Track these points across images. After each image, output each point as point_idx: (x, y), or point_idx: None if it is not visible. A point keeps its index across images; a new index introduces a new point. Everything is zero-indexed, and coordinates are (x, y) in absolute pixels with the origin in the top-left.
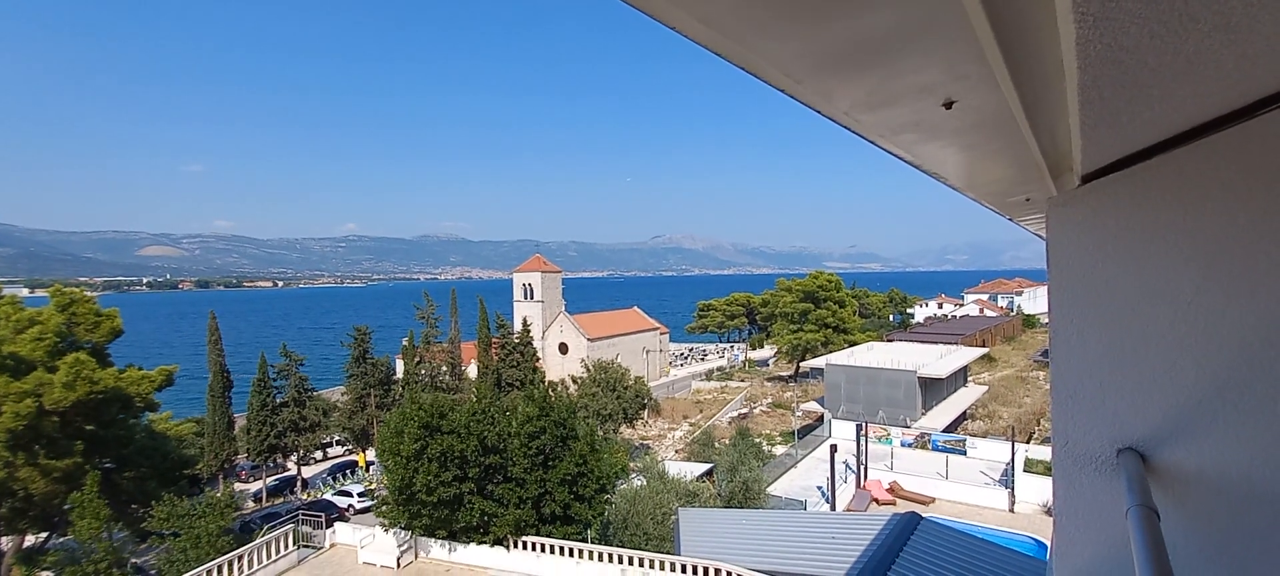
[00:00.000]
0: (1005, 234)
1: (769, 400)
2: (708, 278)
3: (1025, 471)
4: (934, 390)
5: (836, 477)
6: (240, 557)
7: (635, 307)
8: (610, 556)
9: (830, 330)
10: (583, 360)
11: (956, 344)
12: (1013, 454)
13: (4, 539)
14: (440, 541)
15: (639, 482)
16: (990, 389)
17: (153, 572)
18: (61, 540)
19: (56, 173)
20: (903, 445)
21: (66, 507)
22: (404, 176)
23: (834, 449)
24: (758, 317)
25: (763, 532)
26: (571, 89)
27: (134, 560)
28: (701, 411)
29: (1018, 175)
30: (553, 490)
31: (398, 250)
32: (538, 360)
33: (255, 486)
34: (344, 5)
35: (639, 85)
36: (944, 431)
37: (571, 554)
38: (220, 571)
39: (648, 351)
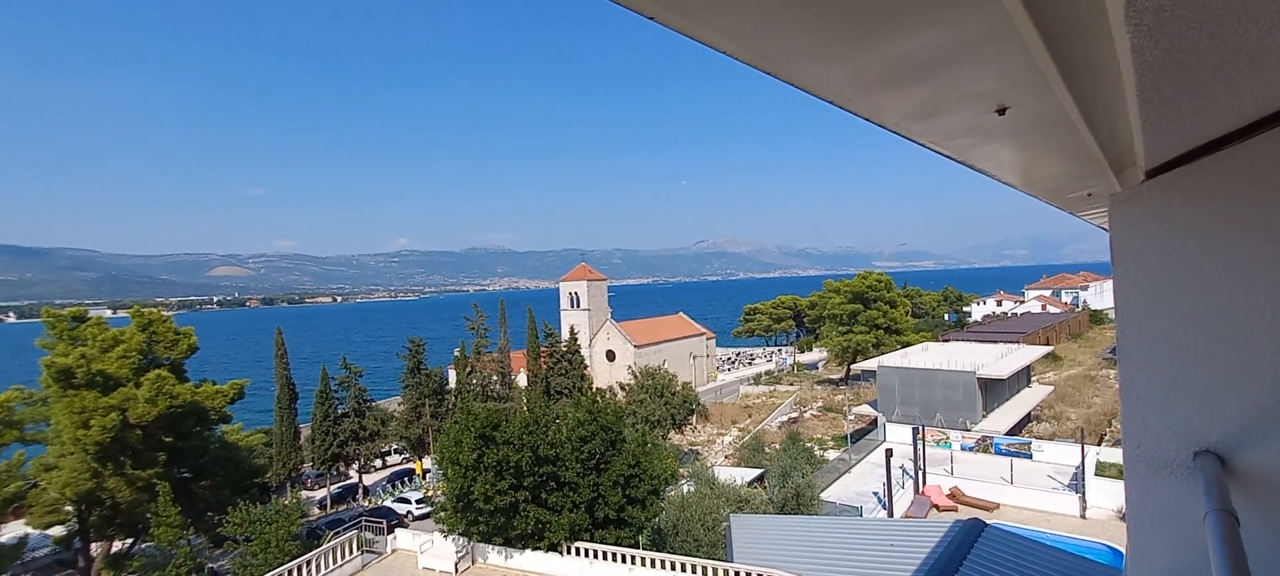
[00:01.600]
0: (1066, 227)
1: (819, 404)
2: (753, 281)
3: (1097, 475)
4: (995, 391)
5: (893, 483)
6: (308, 562)
7: (681, 313)
8: (663, 563)
9: (881, 331)
10: (630, 367)
11: (1018, 342)
12: (1083, 457)
13: (93, 545)
14: (497, 548)
15: (689, 488)
16: (1056, 389)
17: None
18: (144, 546)
19: (135, 201)
20: (963, 449)
21: (148, 516)
22: (451, 190)
23: (889, 453)
24: (805, 320)
25: (818, 539)
26: (610, 94)
27: (210, 565)
28: (750, 416)
29: (1077, 172)
30: (606, 493)
31: (447, 263)
32: (586, 368)
33: (320, 494)
34: (381, 9)
35: (674, 89)
36: (1007, 434)
37: (624, 560)
38: (290, 575)
39: (694, 357)
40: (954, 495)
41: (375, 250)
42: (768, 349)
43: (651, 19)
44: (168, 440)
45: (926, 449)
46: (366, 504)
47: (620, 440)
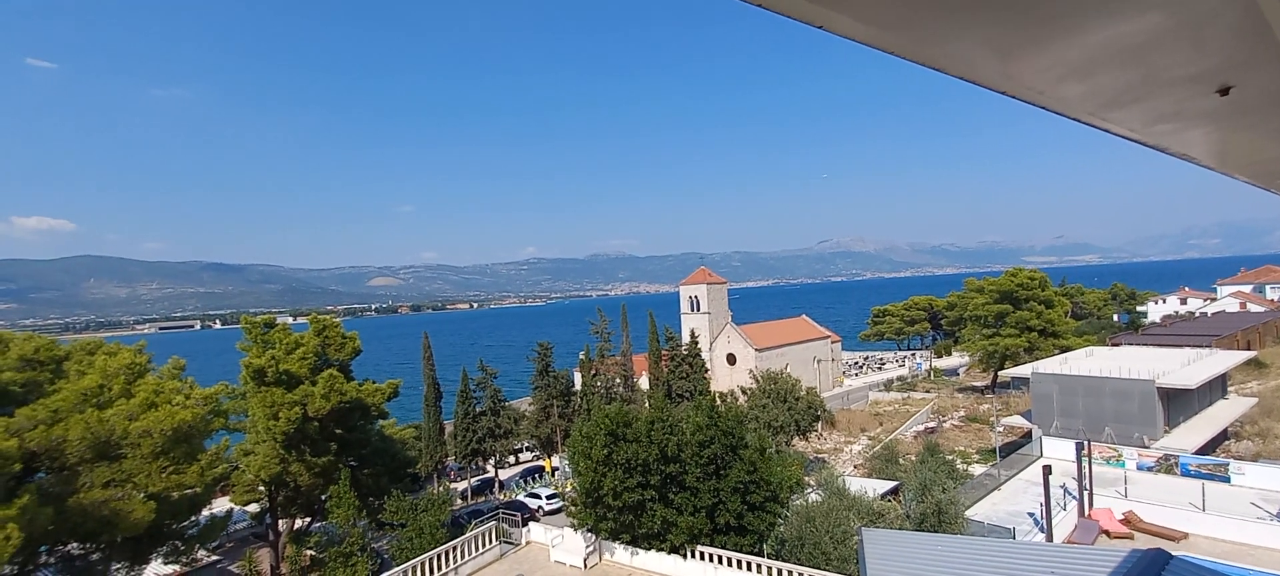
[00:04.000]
0: (1270, 211)
1: (961, 413)
2: (881, 281)
3: None
4: (1180, 403)
5: (1052, 503)
6: (454, 548)
7: (804, 316)
8: (788, 573)
9: (1035, 334)
10: (751, 371)
11: (1209, 347)
12: None
13: (280, 522)
14: (623, 545)
15: (815, 498)
16: (1261, 402)
17: (386, 556)
18: (320, 524)
19: (310, 220)
20: (1139, 468)
21: (324, 498)
22: (575, 200)
23: (1047, 470)
24: (943, 322)
25: (965, 561)
26: (730, 94)
27: (372, 546)
28: (881, 424)
29: None
30: (726, 499)
31: (572, 269)
32: (706, 371)
33: (461, 486)
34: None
35: (799, 87)
36: (1197, 453)
37: (747, 567)
38: (439, 559)
39: (819, 361)
40: (1128, 520)
41: (506, 259)
42: (899, 353)
43: (819, 26)
44: (338, 432)
45: (1093, 467)
46: (502, 497)
47: (741, 445)
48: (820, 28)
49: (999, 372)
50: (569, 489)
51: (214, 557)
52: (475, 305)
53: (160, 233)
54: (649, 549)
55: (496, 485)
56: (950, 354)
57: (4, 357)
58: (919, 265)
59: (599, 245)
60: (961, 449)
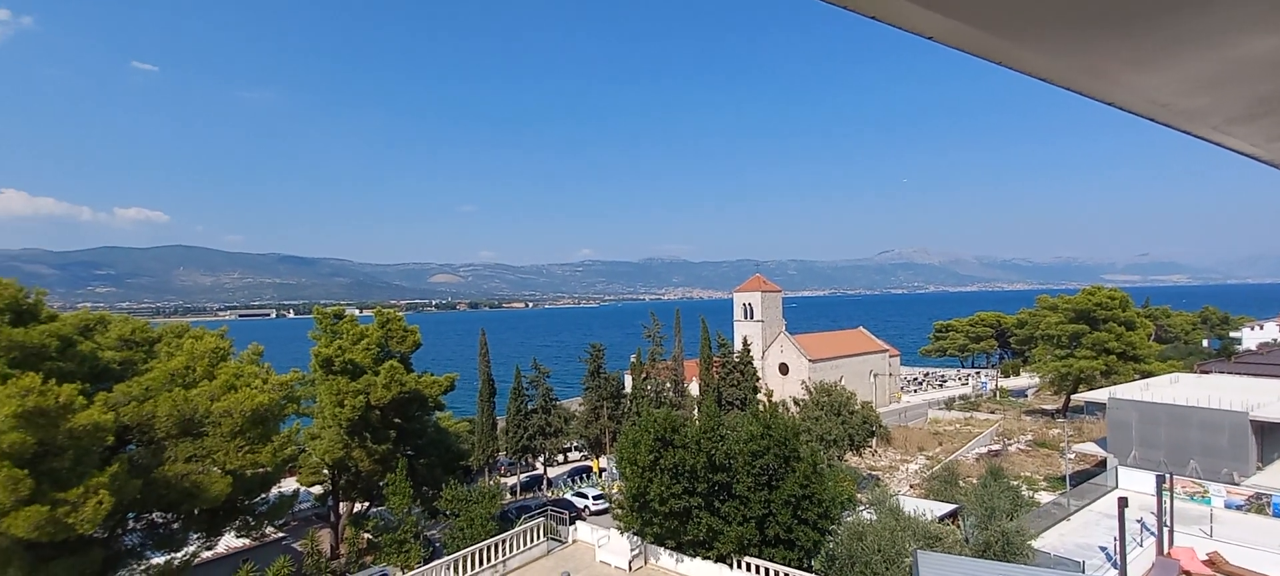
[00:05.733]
0: None
1: (1028, 436)
2: (945, 295)
3: None
4: (1275, 438)
5: (1128, 538)
6: (504, 541)
7: (861, 327)
8: None
9: (1113, 357)
10: (804, 381)
11: None
12: None
13: (341, 504)
14: (669, 551)
15: (868, 516)
16: None
17: (438, 544)
18: (377, 509)
19: (377, 216)
20: (1227, 507)
21: (382, 484)
22: (631, 203)
23: (1124, 502)
24: (1011, 341)
25: None
26: (791, 100)
27: (426, 533)
28: (940, 444)
29: None
30: (776, 511)
31: (626, 272)
32: (758, 380)
33: (510, 481)
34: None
35: (860, 90)
36: None
37: None
38: (490, 550)
39: (875, 375)
40: (1213, 562)
41: (562, 260)
42: (962, 371)
43: (929, 36)
44: (397, 421)
45: (1175, 502)
46: (550, 494)
47: (795, 458)
48: (931, 38)
49: (1072, 396)
50: (615, 491)
51: (280, 534)
52: (530, 304)
53: (241, 225)
54: (694, 556)
55: (544, 482)
56: (1018, 374)
57: (105, 337)
58: (987, 279)
59: (653, 249)
60: (1027, 474)
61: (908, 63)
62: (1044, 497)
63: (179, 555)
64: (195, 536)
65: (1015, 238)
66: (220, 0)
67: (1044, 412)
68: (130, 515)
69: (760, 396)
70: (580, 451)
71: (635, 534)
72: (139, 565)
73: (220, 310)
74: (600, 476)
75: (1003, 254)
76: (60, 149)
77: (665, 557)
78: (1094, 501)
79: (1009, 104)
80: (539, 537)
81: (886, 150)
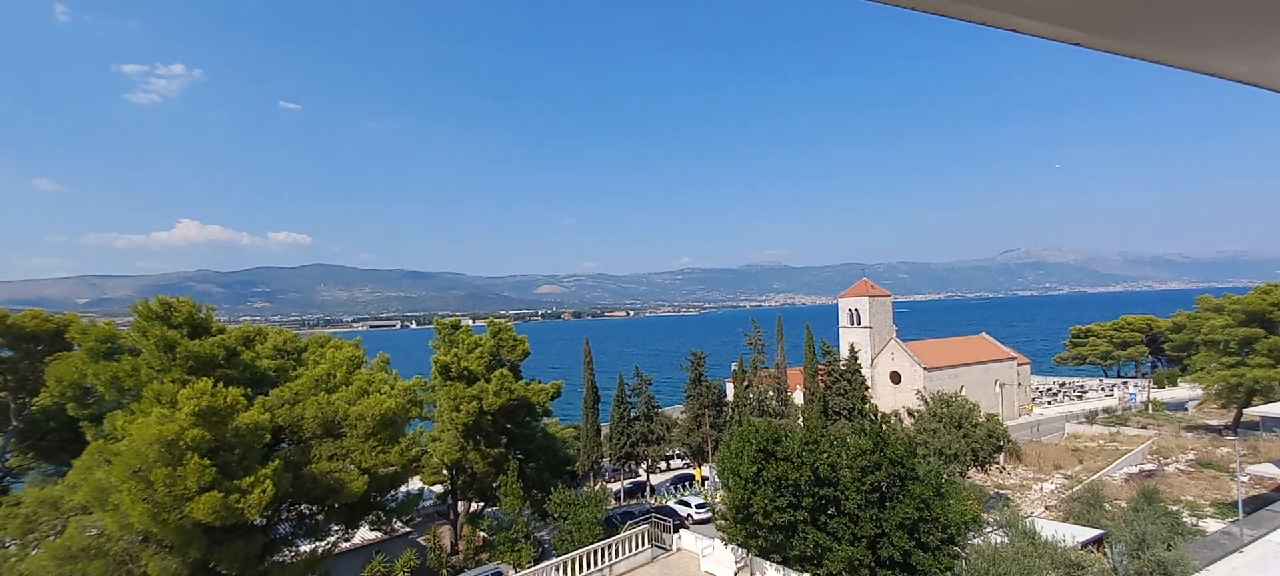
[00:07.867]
0: None
1: (1190, 455)
2: (1082, 296)
3: None
4: None
5: None
6: (610, 546)
7: (983, 333)
8: None
9: None
10: (919, 391)
11: None
12: None
13: (459, 504)
14: (774, 565)
15: (998, 539)
16: None
17: (547, 545)
18: (491, 509)
19: (489, 231)
20: None
21: (495, 486)
22: (730, 210)
23: None
24: (1166, 347)
25: None
26: (896, 99)
27: (536, 534)
28: (1081, 462)
29: None
30: (890, 532)
31: (725, 279)
32: (867, 389)
33: (614, 487)
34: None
35: (974, 84)
36: None
37: None
38: (596, 555)
39: (1001, 384)
40: None
41: (662, 269)
42: (1106, 380)
43: (1076, 42)
44: (508, 426)
45: None
46: (653, 501)
47: (912, 477)
48: (1078, 44)
49: (1243, 410)
50: (718, 500)
51: (406, 530)
52: (632, 313)
53: (371, 244)
54: (801, 571)
55: (648, 489)
56: (1175, 384)
57: (263, 347)
58: (1134, 278)
59: (753, 255)
60: (1189, 499)
61: (1036, 60)
62: (1211, 526)
63: (323, 544)
64: (336, 528)
65: (1168, 231)
66: (351, 40)
67: (1209, 428)
68: (284, 506)
69: (871, 403)
70: (682, 459)
71: (740, 546)
72: (290, 552)
73: (354, 322)
74: (702, 484)
75: (1152, 249)
76: (225, 181)
77: (771, 572)
78: (1272, 531)
79: (1158, 93)
80: (644, 544)
81: (1009, 146)
